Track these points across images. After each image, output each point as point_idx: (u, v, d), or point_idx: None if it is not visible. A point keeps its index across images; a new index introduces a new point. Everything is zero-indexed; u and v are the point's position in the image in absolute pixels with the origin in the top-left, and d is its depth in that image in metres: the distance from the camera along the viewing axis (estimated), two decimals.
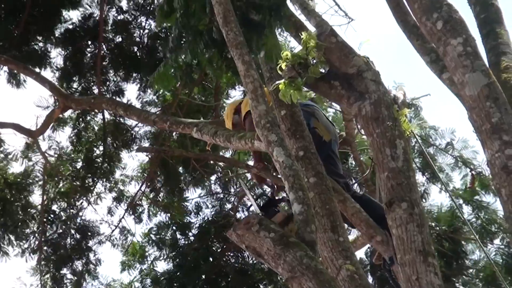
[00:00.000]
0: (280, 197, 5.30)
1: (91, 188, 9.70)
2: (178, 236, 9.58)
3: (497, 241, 7.88)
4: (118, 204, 9.92)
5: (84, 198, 9.69)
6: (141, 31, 9.13)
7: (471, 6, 4.31)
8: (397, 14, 4.27)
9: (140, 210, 9.92)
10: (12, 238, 9.20)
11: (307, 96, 4.21)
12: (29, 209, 9.30)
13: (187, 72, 4.12)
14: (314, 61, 3.28)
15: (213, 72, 4.07)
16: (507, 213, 2.74)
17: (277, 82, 3.54)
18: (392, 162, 2.95)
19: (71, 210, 9.71)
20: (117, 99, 8.97)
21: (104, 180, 9.80)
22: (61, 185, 9.69)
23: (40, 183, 9.31)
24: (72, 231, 9.61)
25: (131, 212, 9.84)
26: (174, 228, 9.63)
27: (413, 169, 2.99)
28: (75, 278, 9.54)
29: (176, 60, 3.76)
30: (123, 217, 9.81)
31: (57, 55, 9.09)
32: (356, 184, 7.82)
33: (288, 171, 2.90)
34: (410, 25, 4.12)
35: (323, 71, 3.38)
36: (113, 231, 9.82)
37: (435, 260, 2.72)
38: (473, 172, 7.83)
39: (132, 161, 10.20)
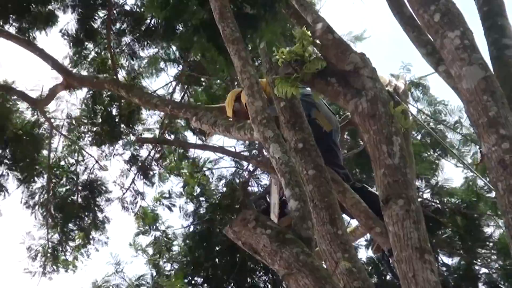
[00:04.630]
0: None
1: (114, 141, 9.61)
2: (191, 206, 9.49)
3: None
4: (130, 168, 9.89)
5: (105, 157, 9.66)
6: None
7: None
8: (393, 5, 4.22)
9: (151, 174, 9.87)
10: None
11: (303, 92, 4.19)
12: (37, 166, 9.26)
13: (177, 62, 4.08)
14: (311, 58, 3.26)
15: (206, 66, 4.05)
16: (504, 207, 2.72)
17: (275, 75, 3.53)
18: (389, 159, 2.93)
19: (80, 167, 9.66)
20: (131, 62, 8.89)
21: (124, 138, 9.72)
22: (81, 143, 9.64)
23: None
24: (80, 188, 9.57)
25: (142, 176, 9.82)
26: (188, 198, 9.52)
27: (410, 165, 2.99)
28: (82, 233, 9.53)
29: (166, 51, 3.74)
30: (134, 180, 9.78)
31: (70, 20, 8.92)
32: None
33: (284, 168, 2.91)
34: (406, 17, 4.07)
35: (320, 68, 3.36)
36: (124, 193, 9.81)
37: (432, 257, 2.71)
38: (481, 149, 7.82)
39: (151, 118, 9.95)
